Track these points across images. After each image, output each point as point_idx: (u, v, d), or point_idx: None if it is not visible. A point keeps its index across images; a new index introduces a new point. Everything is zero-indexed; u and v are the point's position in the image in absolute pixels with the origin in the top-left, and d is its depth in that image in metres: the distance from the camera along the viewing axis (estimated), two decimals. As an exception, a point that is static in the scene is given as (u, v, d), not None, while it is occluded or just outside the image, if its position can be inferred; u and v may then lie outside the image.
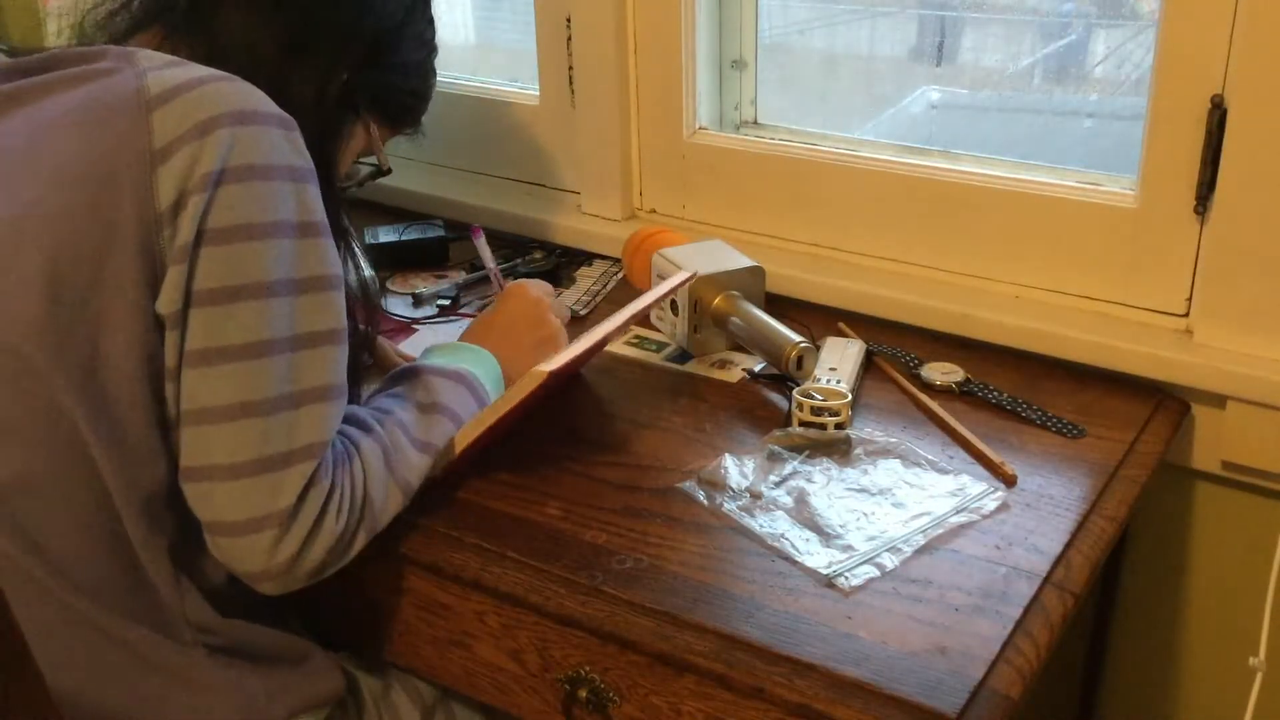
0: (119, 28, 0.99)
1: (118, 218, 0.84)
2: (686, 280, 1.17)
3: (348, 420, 0.94)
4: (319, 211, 0.89)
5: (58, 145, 0.86)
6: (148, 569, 0.91)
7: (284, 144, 0.88)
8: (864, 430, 1.08)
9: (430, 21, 1.10)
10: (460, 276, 1.46)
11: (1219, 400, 1.13)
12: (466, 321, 1.32)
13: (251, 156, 0.85)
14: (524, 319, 1.15)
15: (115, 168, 0.84)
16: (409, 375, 1.02)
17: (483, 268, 1.47)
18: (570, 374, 1.14)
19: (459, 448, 1.00)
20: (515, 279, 1.42)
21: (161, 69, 0.88)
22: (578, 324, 1.33)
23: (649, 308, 1.12)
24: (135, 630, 0.91)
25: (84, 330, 0.85)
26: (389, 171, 1.13)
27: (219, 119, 0.84)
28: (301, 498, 0.85)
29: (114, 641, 0.89)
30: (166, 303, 0.84)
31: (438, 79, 1.14)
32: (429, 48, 1.11)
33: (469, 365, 1.05)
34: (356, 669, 1.06)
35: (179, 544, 0.91)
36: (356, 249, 1.08)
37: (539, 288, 1.19)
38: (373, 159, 1.13)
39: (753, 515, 0.97)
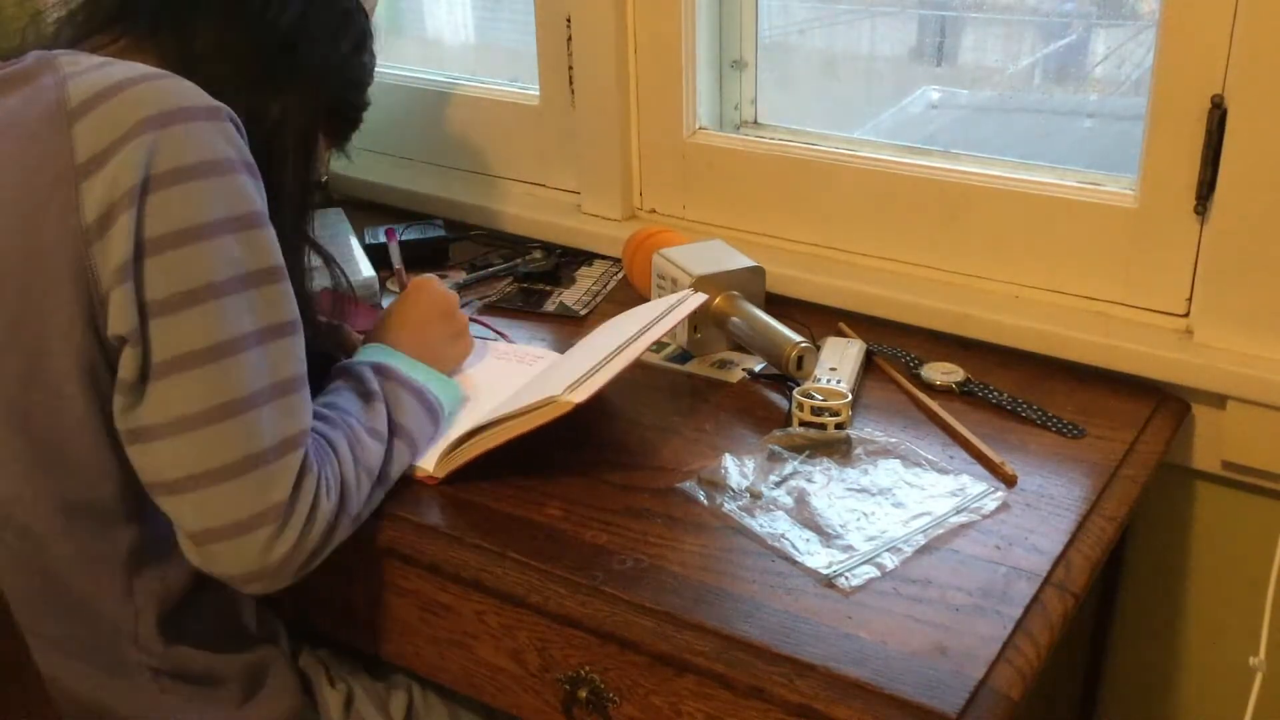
0: (75, 34, 0.96)
1: (43, 238, 0.82)
2: (699, 305, 1.15)
3: None
4: (256, 200, 0.87)
5: None
6: (88, 600, 0.90)
7: (211, 137, 0.85)
8: (864, 430, 1.08)
9: (373, 48, 1.10)
10: (460, 276, 1.46)
11: (1219, 400, 1.13)
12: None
13: (176, 159, 0.83)
14: (434, 314, 1.14)
15: (41, 186, 0.83)
16: (343, 369, 1.02)
17: (484, 267, 1.47)
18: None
19: (465, 460, 1.01)
20: (523, 277, 1.43)
21: (83, 74, 0.86)
22: (577, 324, 1.33)
23: (667, 333, 1.11)
24: (79, 671, 0.91)
25: (14, 358, 0.84)
26: (325, 184, 1.11)
27: (139, 125, 0.82)
28: (296, 488, 0.85)
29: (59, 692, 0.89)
30: (120, 323, 0.82)
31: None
32: (373, 66, 1.10)
33: (389, 361, 1.04)
34: (325, 679, 1.06)
35: (132, 561, 0.91)
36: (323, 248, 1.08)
37: (443, 283, 1.18)
38: None
39: (753, 515, 0.97)
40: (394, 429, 0.98)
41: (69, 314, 0.83)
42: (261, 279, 0.87)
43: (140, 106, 0.83)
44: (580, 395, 0.96)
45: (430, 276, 1.18)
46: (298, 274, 1.04)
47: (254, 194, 0.87)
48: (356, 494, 0.92)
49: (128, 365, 0.83)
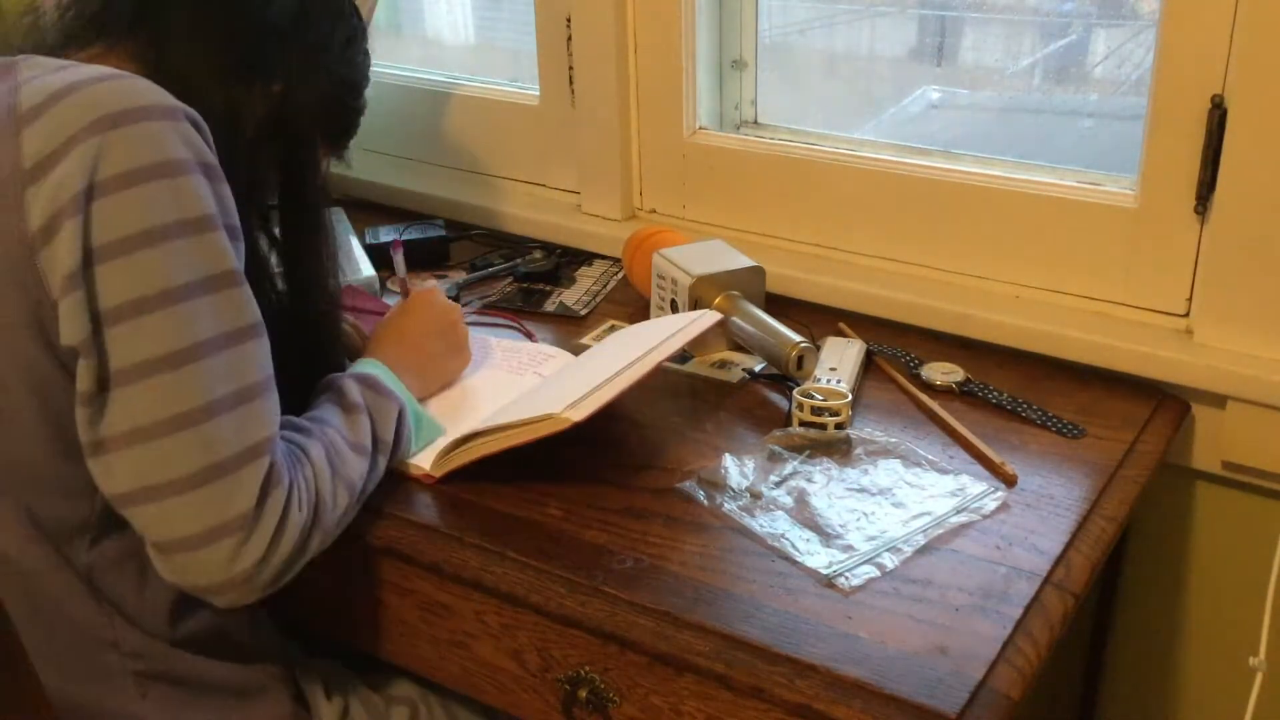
0: (61, 36, 0.95)
1: None
2: (712, 323, 1.14)
3: (284, 425, 0.91)
4: (209, 203, 0.84)
5: None
6: (62, 610, 0.90)
7: (165, 137, 0.82)
8: (864, 430, 1.08)
9: (367, 50, 1.07)
10: (461, 276, 1.46)
11: (1219, 400, 1.13)
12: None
13: (125, 162, 0.80)
14: (432, 329, 1.12)
15: None
16: (327, 383, 0.99)
17: (484, 267, 1.47)
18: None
19: (462, 462, 1.01)
20: (523, 277, 1.43)
21: (39, 78, 0.83)
22: (577, 324, 1.33)
23: (676, 352, 1.09)
24: (64, 674, 0.91)
25: None
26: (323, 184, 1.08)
27: (86, 129, 0.80)
28: (262, 497, 0.83)
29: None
30: (71, 333, 0.80)
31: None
32: (366, 67, 1.08)
33: (375, 372, 1.02)
34: (321, 691, 1.05)
35: (99, 573, 0.91)
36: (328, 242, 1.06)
37: (444, 295, 1.16)
38: None
39: (753, 515, 0.97)
40: (377, 444, 0.97)
41: (13, 323, 0.82)
42: (218, 283, 0.84)
43: (89, 109, 0.81)
44: (579, 414, 0.96)
45: (433, 287, 1.17)
46: (317, 272, 1.03)
47: (208, 196, 0.84)
48: (332, 507, 0.89)
49: (84, 377, 0.81)
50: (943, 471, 1.02)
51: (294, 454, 0.89)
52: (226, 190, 0.87)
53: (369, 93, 1.09)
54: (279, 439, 0.87)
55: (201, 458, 0.81)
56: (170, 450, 0.81)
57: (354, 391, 0.98)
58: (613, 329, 1.30)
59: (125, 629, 0.93)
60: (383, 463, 0.98)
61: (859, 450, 1.05)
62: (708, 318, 1.14)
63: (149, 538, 0.84)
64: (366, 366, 1.03)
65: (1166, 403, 1.15)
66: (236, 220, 0.87)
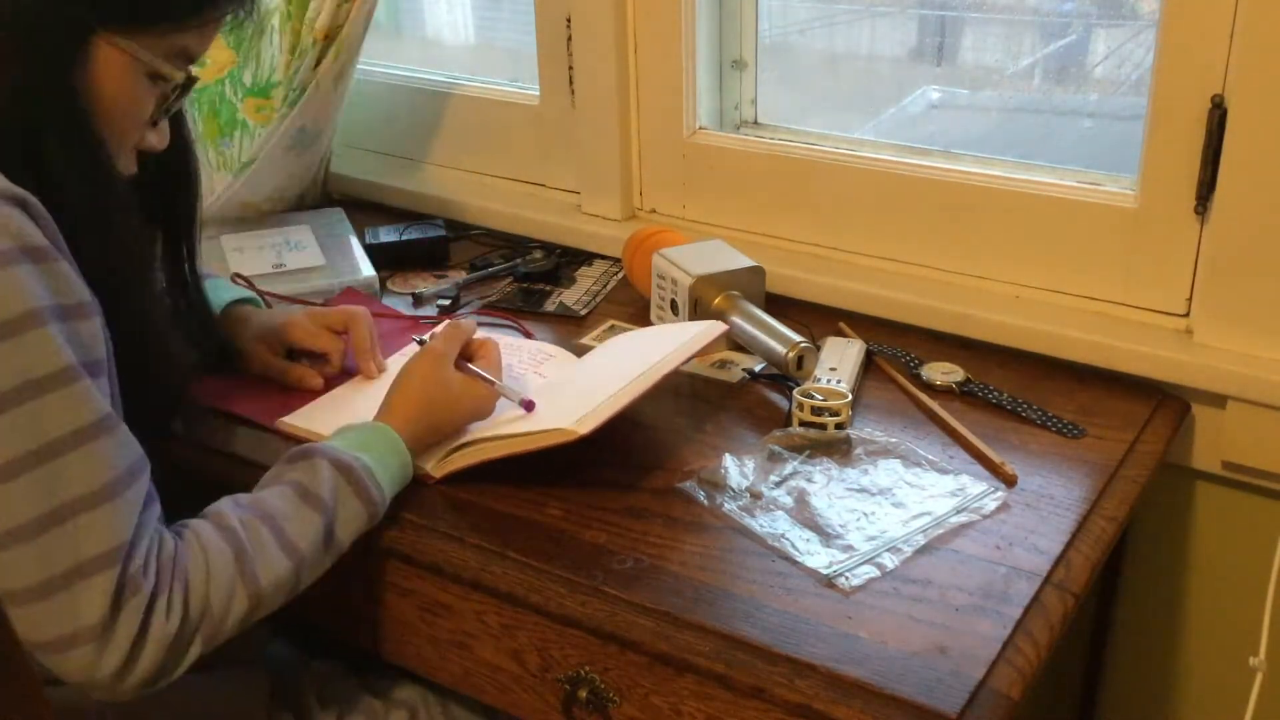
0: None
1: None
2: (718, 334, 1.13)
3: (209, 514, 0.87)
4: (31, 297, 0.77)
5: None
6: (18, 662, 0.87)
7: None
8: (864, 430, 1.08)
9: None
10: (460, 277, 1.45)
11: (1219, 400, 1.13)
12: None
13: None
14: (426, 387, 1.02)
15: None
16: (305, 455, 0.93)
17: (484, 267, 1.47)
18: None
19: (463, 465, 1.02)
20: (523, 277, 1.43)
21: None
22: (577, 324, 1.33)
23: (684, 363, 1.08)
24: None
25: None
26: (193, 80, 0.94)
27: None
28: (115, 607, 0.79)
29: None
30: None
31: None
32: None
33: (366, 454, 0.95)
34: (314, 698, 1.04)
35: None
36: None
37: (425, 350, 1.05)
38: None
39: (753, 515, 0.97)
40: (330, 544, 0.91)
41: None
42: (47, 384, 0.77)
43: None
44: (586, 427, 0.97)
45: (427, 346, 1.06)
46: (122, 275, 0.92)
47: (33, 289, 0.77)
48: (223, 615, 0.84)
49: None
50: (943, 471, 1.02)
51: (182, 555, 0.83)
52: (61, 269, 0.80)
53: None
54: (170, 538, 0.83)
55: (35, 573, 0.78)
56: (11, 562, 0.78)
57: (326, 483, 0.91)
58: (613, 329, 1.30)
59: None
60: (327, 562, 0.92)
61: (859, 450, 1.05)
62: (714, 329, 1.13)
63: (19, 636, 0.80)
64: (368, 447, 0.96)
65: (1166, 403, 1.15)
66: (82, 298, 0.81)
